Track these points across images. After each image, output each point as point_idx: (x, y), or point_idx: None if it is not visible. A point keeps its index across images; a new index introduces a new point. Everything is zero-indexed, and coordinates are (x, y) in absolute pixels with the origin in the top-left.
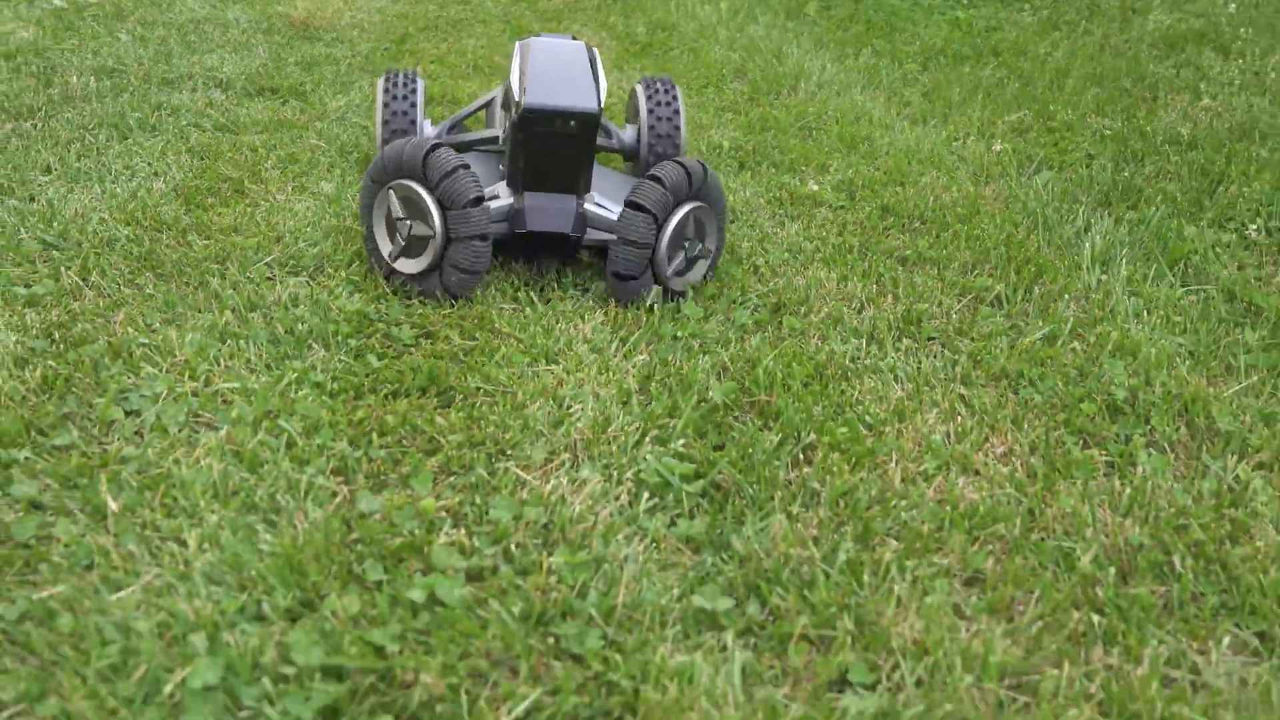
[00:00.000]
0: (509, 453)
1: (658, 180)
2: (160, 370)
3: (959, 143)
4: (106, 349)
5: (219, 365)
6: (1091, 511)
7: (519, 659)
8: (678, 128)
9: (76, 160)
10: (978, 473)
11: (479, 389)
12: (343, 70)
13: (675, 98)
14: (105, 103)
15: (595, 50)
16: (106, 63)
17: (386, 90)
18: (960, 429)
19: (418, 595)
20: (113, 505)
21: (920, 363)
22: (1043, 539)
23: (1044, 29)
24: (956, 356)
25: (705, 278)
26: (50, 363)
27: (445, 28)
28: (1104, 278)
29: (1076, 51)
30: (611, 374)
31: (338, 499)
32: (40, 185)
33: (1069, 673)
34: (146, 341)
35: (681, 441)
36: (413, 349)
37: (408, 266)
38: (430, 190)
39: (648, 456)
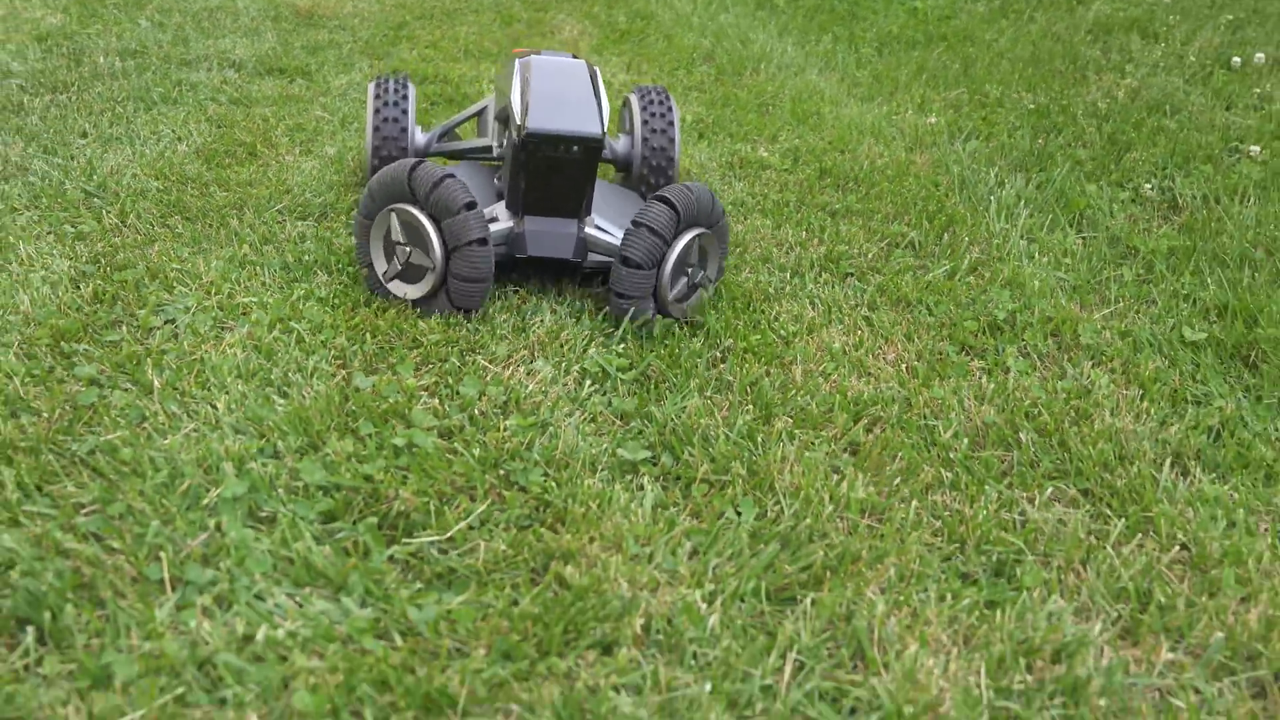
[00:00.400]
0: (478, 350)
1: (666, 203)
2: (190, 289)
3: (898, 117)
4: (145, 272)
5: (239, 285)
6: (959, 401)
7: (476, 487)
8: (672, 140)
9: (109, 127)
10: (869, 373)
11: None
12: (345, 53)
13: (670, 109)
14: (130, 79)
15: (597, 69)
16: (130, 45)
17: (377, 96)
18: (859, 341)
19: (399, 441)
20: (156, 382)
21: (835, 292)
22: (913, 419)
23: (994, 17)
24: (866, 288)
25: (706, 301)
26: (99, 282)
27: (440, 16)
28: (1007, 227)
29: (1020, 37)
30: (567, 296)
31: (337, 378)
32: (79, 147)
33: (916, 508)
34: (178, 267)
35: (621, 345)
36: None
37: (404, 290)
38: (423, 208)
39: (592, 354)
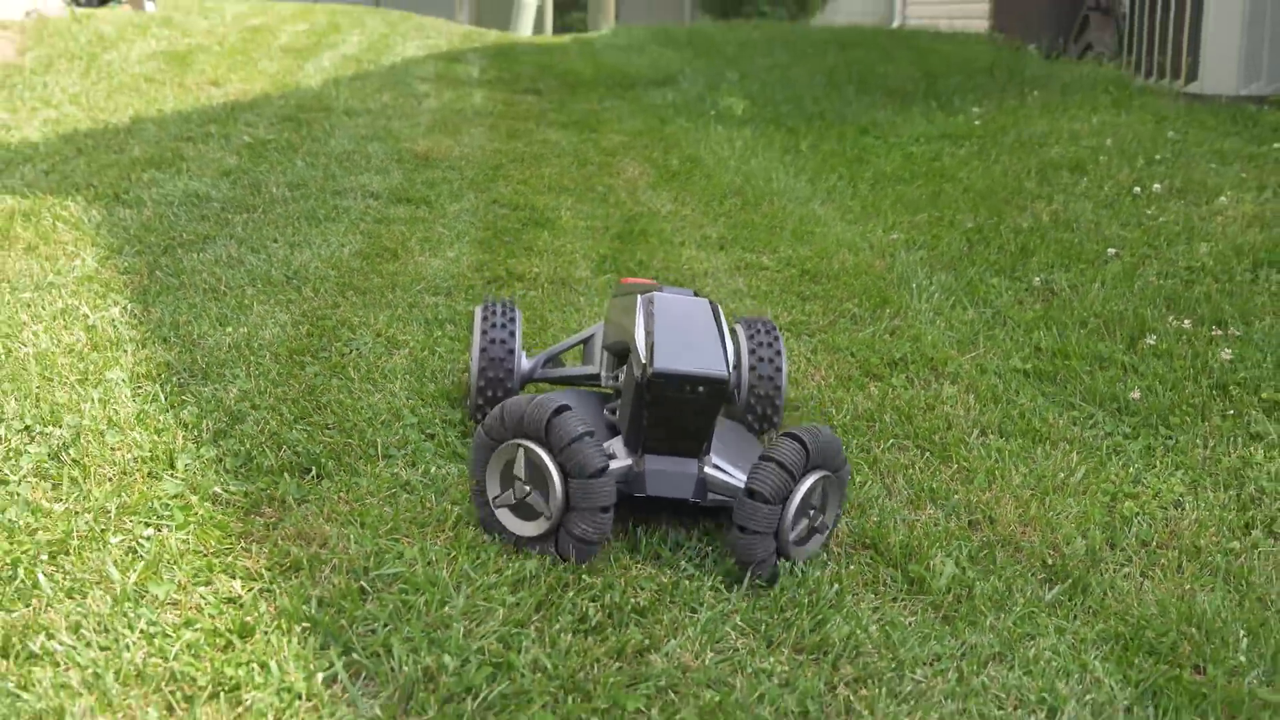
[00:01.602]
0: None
1: (797, 440)
2: (367, 332)
3: (871, 234)
4: (337, 321)
5: (397, 329)
6: (851, 398)
7: None
8: (779, 369)
9: (292, 235)
10: (799, 384)
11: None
12: (455, 187)
13: (776, 339)
14: (299, 203)
15: (719, 307)
16: (293, 179)
17: (485, 319)
18: (798, 368)
19: None
20: (355, 376)
21: (791, 343)
22: (818, 406)
23: (969, 159)
24: (813, 340)
25: (821, 548)
26: (308, 326)
27: (529, 159)
28: (923, 306)
29: (985, 175)
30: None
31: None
32: (273, 248)
33: None
34: (357, 319)
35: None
36: None
37: (513, 524)
38: (554, 455)
39: None
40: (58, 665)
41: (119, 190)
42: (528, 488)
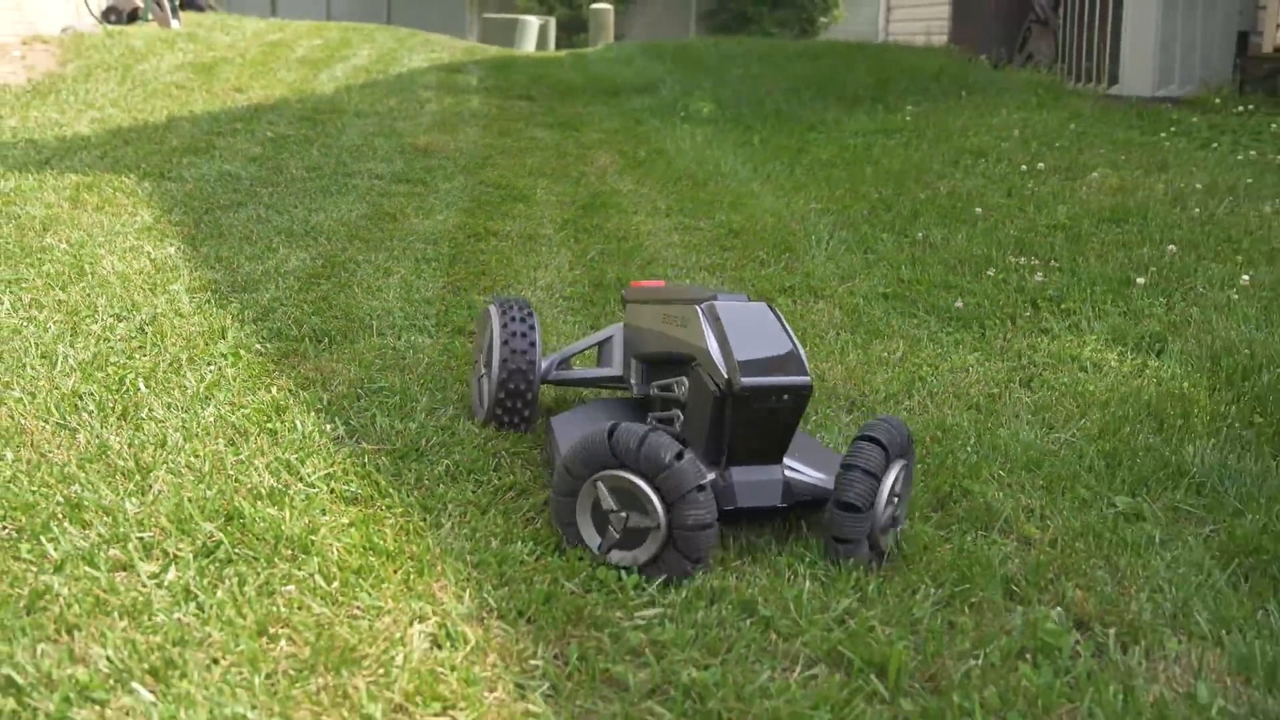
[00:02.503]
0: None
1: (875, 442)
2: (372, 266)
3: (795, 205)
4: (347, 259)
5: (395, 264)
6: None
7: None
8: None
9: (310, 203)
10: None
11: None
12: (448, 172)
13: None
14: (316, 182)
15: (779, 310)
16: (310, 164)
17: (505, 327)
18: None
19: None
20: (359, 291)
21: (709, 279)
22: None
23: (898, 149)
24: (724, 276)
25: (900, 525)
26: (323, 263)
27: (515, 152)
28: (820, 253)
29: (906, 160)
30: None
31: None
32: (295, 212)
33: None
34: (361, 258)
35: None
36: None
37: (629, 558)
38: (632, 469)
39: None
40: (158, 422)
41: (164, 170)
42: (624, 514)
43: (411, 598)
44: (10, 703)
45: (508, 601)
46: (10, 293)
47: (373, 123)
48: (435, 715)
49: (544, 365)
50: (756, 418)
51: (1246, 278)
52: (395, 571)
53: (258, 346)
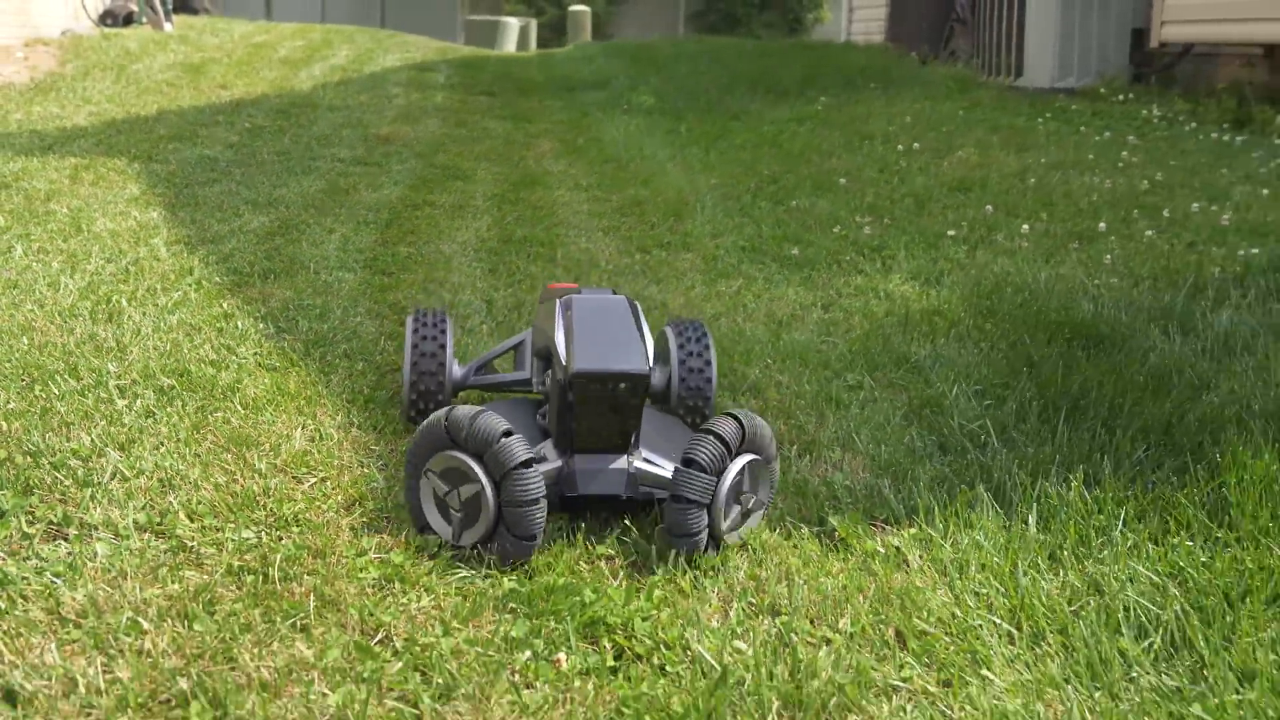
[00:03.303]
0: None
1: (716, 435)
2: (318, 226)
3: (698, 181)
4: (299, 222)
5: (338, 225)
6: (626, 264)
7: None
8: (707, 366)
9: (277, 180)
10: (593, 255)
11: None
12: (403, 156)
13: (705, 339)
14: (284, 164)
15: (638, 305)
16: (280, 150)
17: (415, 331)
18: (598, 249)
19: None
20: (322, 227)
21: (605, 240)
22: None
23: (805, 135)
24: (617, 236)
25: (763, 516)
26: (278, 225)
27: (468, 140)
28: (703, 218)
29: (806, 143)
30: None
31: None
32: (260, 187)
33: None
34: (312, 221)
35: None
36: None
37: (472, 535)
38: (464, 449)
39: None
40: (135, 322)
41: (151, 154)
42: (456, 491)
43: (300, 416)
44: (27, 460)
45: (366, 421)
46: (22, 243)
47: (342, 115)
48: (303, 474)
49: (461, 371)
50: (595, 404)
51: (1026, 228)
52: (292, 403)
53: (216, 279)
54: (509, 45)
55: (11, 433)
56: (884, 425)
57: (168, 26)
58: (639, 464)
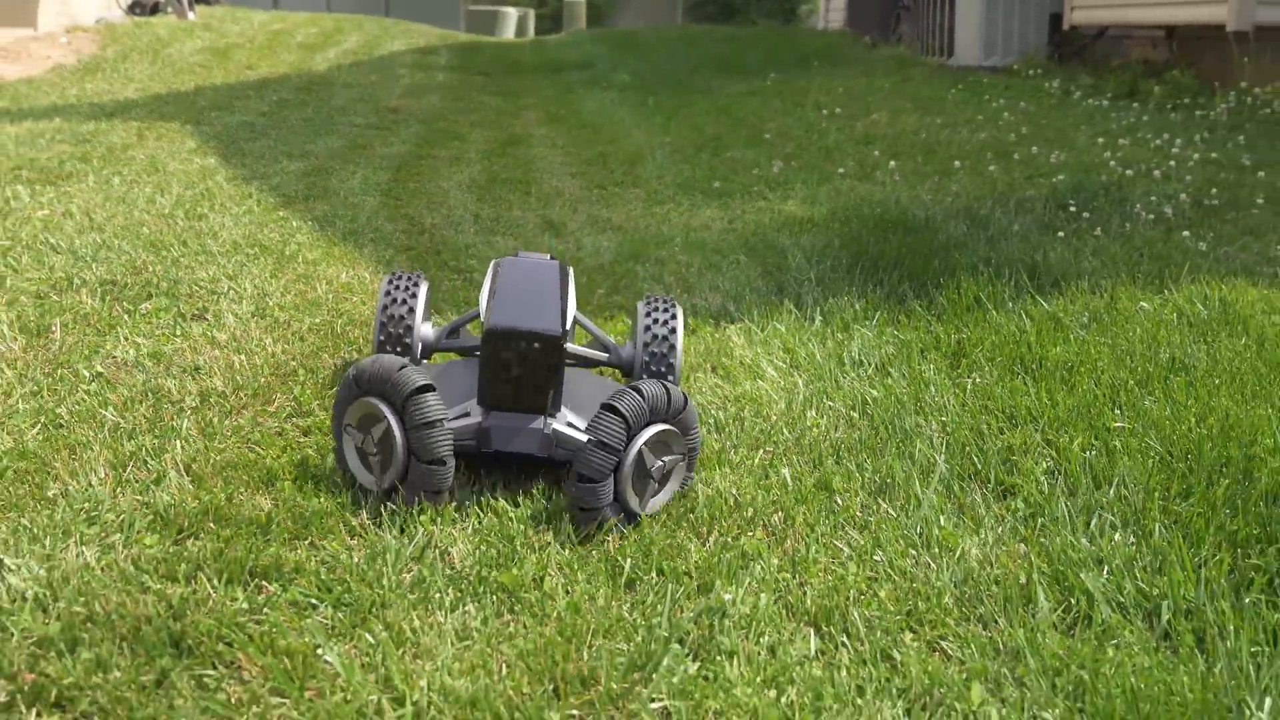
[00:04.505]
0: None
1: (615, 412)
2: (345, 172)
3: (656, 144)
4: (328, 168)
5: (360, 169)
6: (583, 196)
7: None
8: (674, 347)
9: (305, 139)
10: (560, 191)
11: None
12: (410, 123)
13: (674, 318)
14: (310, 127)
15: (569, 269)
16: (305, 117)
17: (388, 294)
18: (565, 186)
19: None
20: (333, 182)
21: (571, 181)
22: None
23: (758, 107)
24: (581, 180)
25: (684, 485)
26: (311, 169)
27: (464, 111)
28: (652, 165)
29: (752, 111)
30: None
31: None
32: (293, 143)
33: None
34: (338, 167)
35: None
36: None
37: (364, 475)
38: (386, 401)
39: None
40: (214, 220)
41: (198, 120)
42: (371, 436)
43: (344, 266)
44: (171, 284)
45: (391, 268)
46: (119, 175)
47: (356, 91)
48: (349, 295)
49: (435, 333)
50: (508, 363)
51: (893, 164)
52: (338, 262)
53: (270, 200)
54: (508, 33)
55: (154, 272)
56: (741, 278)
57: (191, 15)
58: (559, 426)
